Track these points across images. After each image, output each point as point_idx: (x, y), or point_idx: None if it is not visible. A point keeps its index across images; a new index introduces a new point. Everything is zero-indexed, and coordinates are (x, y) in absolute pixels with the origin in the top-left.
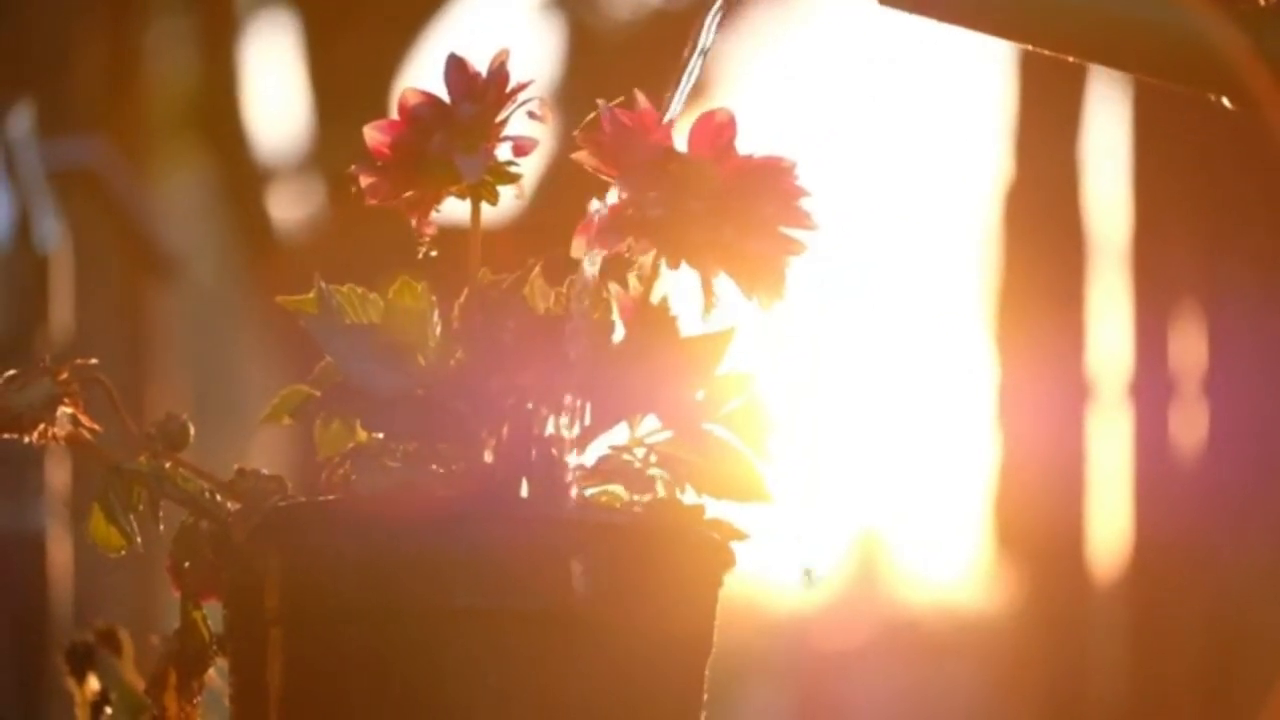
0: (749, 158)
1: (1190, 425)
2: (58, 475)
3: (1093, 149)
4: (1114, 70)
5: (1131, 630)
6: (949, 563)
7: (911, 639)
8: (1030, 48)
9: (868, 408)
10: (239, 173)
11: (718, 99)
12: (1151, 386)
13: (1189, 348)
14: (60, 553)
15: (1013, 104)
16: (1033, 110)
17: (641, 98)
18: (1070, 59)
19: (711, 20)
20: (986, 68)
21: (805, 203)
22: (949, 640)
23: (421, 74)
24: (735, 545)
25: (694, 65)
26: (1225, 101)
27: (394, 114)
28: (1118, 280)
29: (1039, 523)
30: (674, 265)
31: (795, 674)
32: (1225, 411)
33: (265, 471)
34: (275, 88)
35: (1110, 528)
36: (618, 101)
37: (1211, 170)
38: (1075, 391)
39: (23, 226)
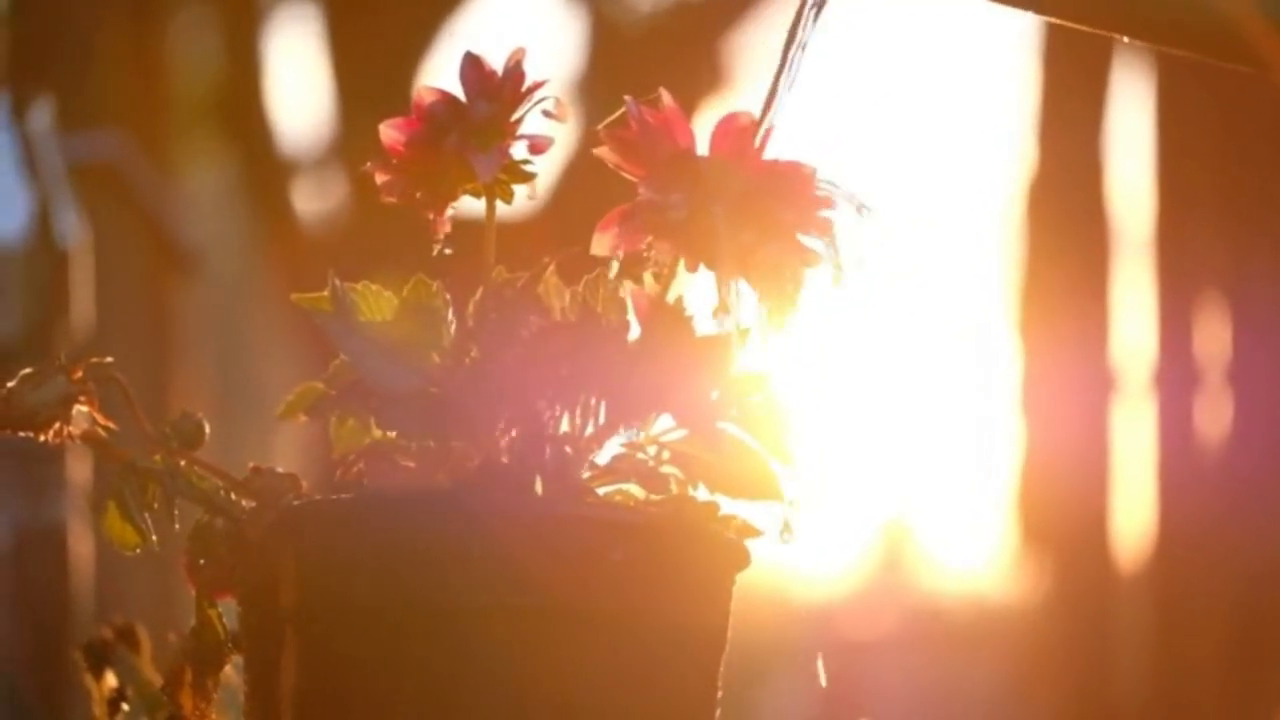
0: (771, 162)
1: (1215, 415)
2: (79, 471)
3: (1117, 139)
4: (1146, 43)
5: (1156, 620)
6: (974, 553)
7: (936, 629)
8: (1066, 23)
9: (893, 398)
10: (260, 167)
11: (734, 91)
12: (1176, 376)
13: (1213, 337)
14: (81, 549)
15: (1037, 94)
16: (1057, 100)
17: (667, 96)
18: (1120, 37)
19: (810, 13)
20: (1009, 57)
21: (825, 211)
22: (974, 630)
23: (445, 67)
24: (750, 542)
25: (795, 61)
26: None
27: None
28: (1142, 270)
29: (1064, 513)
30: (692, 268)
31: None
32: (1250, 401)
33: (280, 469)
34: (297, 82)
35: (1135, 518)
36: (647, 100)
37: (1236, 159)
38: (1100, 382)
39: (43, 221)
